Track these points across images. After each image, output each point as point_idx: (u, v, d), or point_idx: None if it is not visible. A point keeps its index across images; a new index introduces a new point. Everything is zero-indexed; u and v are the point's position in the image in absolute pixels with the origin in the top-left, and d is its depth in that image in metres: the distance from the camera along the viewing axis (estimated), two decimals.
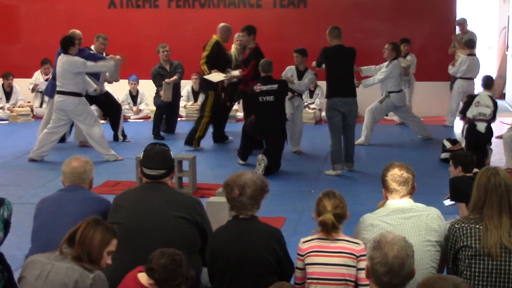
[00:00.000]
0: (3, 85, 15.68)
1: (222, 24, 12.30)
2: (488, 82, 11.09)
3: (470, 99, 10.89)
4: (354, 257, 4.51)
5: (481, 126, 10.41)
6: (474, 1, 20.71)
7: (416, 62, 14.24)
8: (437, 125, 14.36)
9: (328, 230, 4.57)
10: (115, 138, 12.77)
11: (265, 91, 10.38)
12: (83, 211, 4.97)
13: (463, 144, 10.73)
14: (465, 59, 13.93)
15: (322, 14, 15.30)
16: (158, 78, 13.43)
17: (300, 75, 11.86)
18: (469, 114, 10.55)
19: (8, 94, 15.72)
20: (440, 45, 15.05)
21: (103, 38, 12.58)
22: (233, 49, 12.90)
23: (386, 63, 12.50)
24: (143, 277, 4.16)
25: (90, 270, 4.10)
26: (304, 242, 4.65)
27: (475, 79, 14.11)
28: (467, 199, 4.68)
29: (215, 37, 12.04)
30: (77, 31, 11.96)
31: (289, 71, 11.85)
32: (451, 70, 14.20)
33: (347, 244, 4.57)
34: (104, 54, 12.43)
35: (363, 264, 4.40)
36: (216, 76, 11.78)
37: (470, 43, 14.11)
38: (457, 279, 3.07)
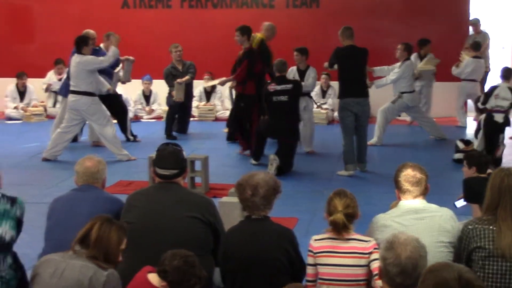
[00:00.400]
0: (17, 85, 15.74)
1: (267, 22, 12.24)
2: (507, 74, 11.36)
3: (489, 90, 11.13)
4: (366, 255, 4.51)
5: (498, 117, 10.79)
6: (488, 1, 20.60)
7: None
8: (450, 125, 14.33)
9: (339, 230, 4.56)
10: (127, 139, 12.81)
11: (279, 91, 10.36)
12: (96, 211, 4.98)
13: (476, 144, 10.69)
14: (471, 61, 13.91)
15: (335, 14, 15.28)
16: (170, 78, 13.45)
17: (302, 74, 11.83)
18: (488, 105, 10.87)
19: (22, 94, 15.78)
20: (453, 46, 14.98)
21: (114, 36, 12.59)
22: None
23: (398, 64, 12.46)
24: (154, 278, 4.13)
25: (104, 268, 4.11)
26: (316, 240, 4.65)
27: (479, 81, 14.13)
28: (481, 200, 4.66)
29: (259, 35, 11.93)
30: (91, 31, 12.00)
31: (291, 73, 11.79)
32: (455, 71, 14.17)
33: (358, 243, 4.56)
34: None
35: (375, 255, 4.39)
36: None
37: (476, 46, 14.10)
38: (464, 268, 3.06)
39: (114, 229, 4.22)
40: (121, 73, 12.47)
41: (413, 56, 13.51)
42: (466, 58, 14.08)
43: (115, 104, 12.58)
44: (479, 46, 14.19)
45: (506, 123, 10.84)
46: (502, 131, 10.82)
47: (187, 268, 4.03)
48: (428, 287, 2.97)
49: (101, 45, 12.49)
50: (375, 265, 4.42)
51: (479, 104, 11.08)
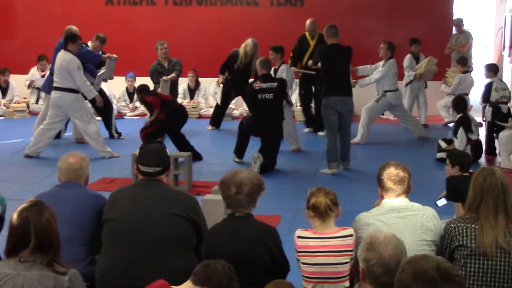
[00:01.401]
0: None
1: (309, 19, 13.09)
2: (494, 68, 12.19)
3: (487, 87, 12.06)
4: (350, 252, 4.54)
5: (504, 108, 11.58)
6: (471, 1, 20.73)
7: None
8: (433, 124, 14.38)
9: (322, 213, 4.58)
10: (111, 136, 12.78)
11: (265, 89, 10.36)
12: (78, 208, 4.98)
13: (457, 143, 10.72)
14: (463, 77, 14.05)
15: (319, 12, 15.27)
16: (156, 75, 13.43)
17: (275, 72, 11.92)
18: (492, 98, 11.75)
19: (4, 90, 15.70)
20: (436, 45, 15.04)
21: (101, 40, 12.62)
22: (242, 49, 12.97)
23: (382, 62, 12.49)
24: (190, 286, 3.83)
25: (63, 273, 3.85)
26: (299, 237, 4.67)
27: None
28: (463, 199, 4.68)
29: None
30: (74, 27, 11.95)
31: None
32: (446, 89, 14.30)
33: (342, 241, 4.58)
34: (101, 52, 12.46)
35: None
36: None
37: (463, 61, 14.25)
38: (440, 259, 3.09)
39: (45, 213, 3.96)
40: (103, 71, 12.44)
41: (408, 57, 13.97)
42: (452, 75, 14.25)
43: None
44: (466, 61, 14.36)
45: (509, 114, 11.43)
46: (507, 121, 11.25)
47: (230, 272, 3.84)
48: (407, 277, 2.99)
49: (89, 43, 12.47)
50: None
51: (481, 101, 11.74)
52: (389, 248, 3.61)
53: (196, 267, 3.83)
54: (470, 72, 14.44)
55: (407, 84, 14.19)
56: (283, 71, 11.92)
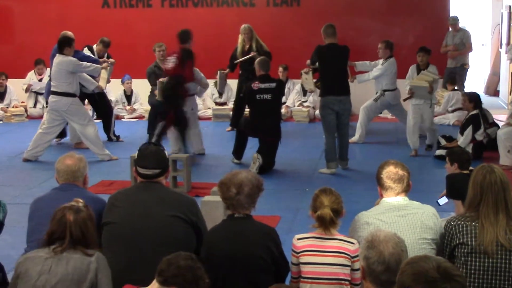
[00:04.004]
0: None
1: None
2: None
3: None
4: (349, 257, 4.51)
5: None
6: None
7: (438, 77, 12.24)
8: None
9: (326, 225, 4.57)
10: (109, 139, 12.79)
11: (263, 89, 10.34)
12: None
13: (460, 141, 10.73)
14: (451, 94, 14.27)
15: (316, 12, 15.30)
16: (153, 77, 13.38)
17: None
18: None
19: (1, 94, 15.67)
20: (432, 43, 15.00)
21: (105, 44, 12.66)
22: (239, 39, 13.05)
23: (381, 60, 12.45)
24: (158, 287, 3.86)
25: (90, 255, 4.13)
26: (298, 239, 4.65)
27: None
28: (463, 196, 4.68)
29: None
30: (69, 33, 11.95)
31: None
32: (438, 109, 14.28)
33: (342, 243, 4.57)
34: (106, 56, 12.53)
35: (357, 264, 4.40)
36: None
37: (453, 80, 14.57)
38: (441, 258, 3.09)
39: (82, 213, 4.25)
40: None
41: (411, 67, 12.10)
42: (442, 94, 14.30)
43: (100, 103, 12.57)
44: (454, 80, 14.62)
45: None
46: None
47: (195, 265, 3.82)
48: (407, 277, 2.99)
49: (94, 46, 12.50)
50: (356, 275, 4.46)
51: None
52: (389, 246, 3.61)
53: (159, 266, 3.81)
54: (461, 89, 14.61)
55: (404, 100, 12.34)
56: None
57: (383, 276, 3.56)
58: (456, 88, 14.50)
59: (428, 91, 11.36)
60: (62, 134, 12.29)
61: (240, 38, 13.11)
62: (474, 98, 11.15)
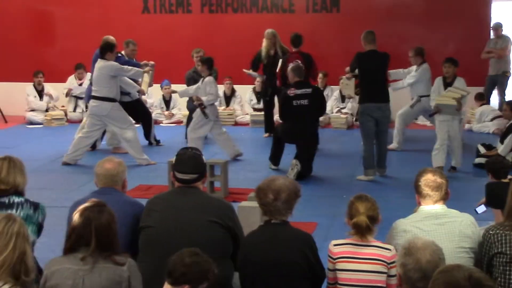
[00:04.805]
0: (34, 84, 15.74)
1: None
2: None
3: None
4: (385, 264, 4.50)
5: None
6: (510, 5, 20.48)
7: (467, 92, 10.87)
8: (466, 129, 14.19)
9: (363, 232, 4.56)
10: (150, 143, 12.90)
11: (300, 95, 10.33)
12: (116, 214, 5.00)
13: (500, 149, 10.60)
14: (483, 110, 14.27)
15: (355, 18, 15.25)
16: (192, 82, 13.45)
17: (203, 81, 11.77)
18: None
19: (40, 93, 15.73)
20: (474, 49, 14.91)
21: (133, 43, 12.73)
22: (264, 44, 13.22)
23: (415, 67, 12.39)
24: None
25: (121, 264, 4.09)
26: (335, 245, 4.65)
27: None
28: (503, 205, 4.63)
29: None
30: (111, 37, 12.07)
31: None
32: (475, 127, 14.25)
33: (378, 250, 4.55)
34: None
35: (394, 271, 4.38)
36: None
37: (480, 96, 14.50)
38: (474, 268, 3.08)
39: (106, 214, 4.21)
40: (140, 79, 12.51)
41: (437, 80, 11.08)
42: (473, 112, 14.48)
43: (139, 109, 12.64)
44: (483, 96, 14.60)
45: None
46: None
47: (201, 259, 3.92)
48: (439, 286, 2.97)
49: (122, 52, 12.57)
50: (392, 281, 4.43)
51: None
52: (426, 253, 3.59)
53: (167, 267, 3.89)
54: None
55: (430, 115, 11.69)
56: (207, 84, 11.40)
57: (420, 284, 3.54)
58: (486, 104, 14.32)
59: (456, 109, 10.35)
60: (93, 146, 12.32)
61: (265, 43, 13.24)
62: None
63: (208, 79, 11.32)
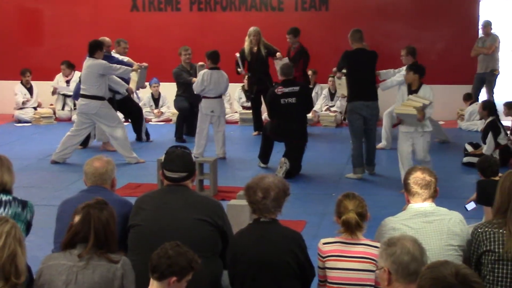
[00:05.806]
0: (22, 82, 15.66)
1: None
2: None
3: None
4: (374, 262, 4.50)
5: None
6: (498, 3, 20.56)
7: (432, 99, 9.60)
8: (452, 128, 14.20)
9: (352, 229, 4.57)
10: (139, 138, 12.90)
11: (287, 93, 10.34)
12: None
13: (484, 148, 10.66)
14: (471, 109, 14.22)
15: (344, 17, 15.26)
16: (182, 75, 13.40)
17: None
18: None
19: (29, 90, 15.67)
20: (462, 48, 14.95)
21: (124, 42, 12.79)
22: (246, 42, 13.25)
23: (405, 67, 12.39)
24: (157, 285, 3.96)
25: (115, 261, 4.12)
26: (324, 243, 4.66)
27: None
28: (493, 203, 4.64)
29: None
30: (107, 39, 12.12)
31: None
32: (464, 125, 14.28)
33: (367, 248, 4.56)
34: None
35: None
36: None
37: (467, 97, 14.55)
38: (461, 265, 3.11)
39: (105, 212, 4.24)
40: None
41: (402, 88, 9.88)
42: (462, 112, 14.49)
43: (129, 106, 12.63)
44: (470, 96, 14.60)
45: None
46: None
47: (183, 250, 3.95)
48: (426, 282, 3.01)
49: (113, 51, 12.54)
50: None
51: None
52: (407, 240, 3.72)
53: (150, 264, 3.93)
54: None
55: (393, 126, 10.98)
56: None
57: (412, 265, 3.59)
58: (475, 102, 14.35)
59: (418, 119, 9.22)
60: (85, 143, 12.30)
61: (248, 40, 13.25)
62: (487, 105, 11.30)
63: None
